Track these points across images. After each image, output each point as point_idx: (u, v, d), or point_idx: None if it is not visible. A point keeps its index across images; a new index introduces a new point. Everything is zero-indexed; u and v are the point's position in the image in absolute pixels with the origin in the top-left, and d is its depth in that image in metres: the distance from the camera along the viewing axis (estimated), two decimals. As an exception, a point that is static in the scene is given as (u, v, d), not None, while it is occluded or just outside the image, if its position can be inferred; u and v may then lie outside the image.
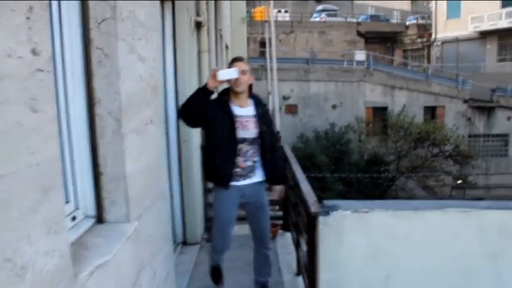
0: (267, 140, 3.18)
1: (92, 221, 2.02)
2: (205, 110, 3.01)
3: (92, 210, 2.03)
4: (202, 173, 3.27)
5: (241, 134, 3.07)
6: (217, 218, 3.26)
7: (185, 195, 4.56)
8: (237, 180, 3.13)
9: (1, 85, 1.00)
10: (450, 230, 2.57)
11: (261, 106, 3.23)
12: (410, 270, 2.63)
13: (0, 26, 0.98)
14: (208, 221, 5.26)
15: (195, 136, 4.64)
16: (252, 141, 3.13)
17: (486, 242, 2.58)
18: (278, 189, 3.32)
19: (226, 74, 2.95)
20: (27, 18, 1.08)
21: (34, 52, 1.12)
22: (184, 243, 4.62)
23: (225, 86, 3.19)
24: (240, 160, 3.12)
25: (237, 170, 3.12)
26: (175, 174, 4.40)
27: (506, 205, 2.60)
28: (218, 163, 3.08)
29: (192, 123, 3.27)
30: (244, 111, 3.13)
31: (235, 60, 3.18)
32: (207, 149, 3.23)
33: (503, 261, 2.63)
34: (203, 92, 3.00)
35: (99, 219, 2.06)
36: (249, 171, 3.16)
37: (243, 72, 3.05)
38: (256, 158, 3.17)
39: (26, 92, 1.11)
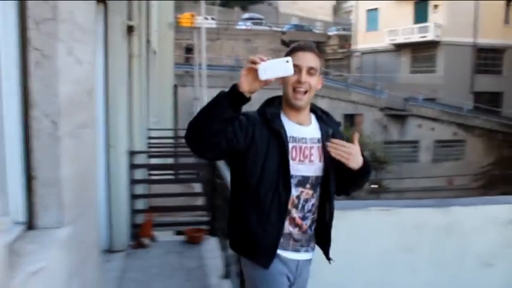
0: (333, 180, 1.84)
1: (21, 227, 1.95)
2: (233, 131, 1.68)
3: (22, 216, 1.97)
4: (229, 238, 1.94)
5: (299, 169, 1.77)
6: None
7: (112, 202, 4.47)
8: (294, 250, 1.82)
9: None
10: (372, 227, 2.80)
11: (330, 123, 1.89)
12: (336, 266, 2.81)
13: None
14: (134, 227, 5.18)
15: (122, 141, 4.56)
16: (315, 184, 1.82)
17: (403, 237, 2.85)
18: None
19: (276, 69, 1.61)
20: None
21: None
22: (109, 250, 4.53)
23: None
24: (296, 215, 1.80)
25: (292, 231, 1.81)
26: (102, 180, 4.30)
27: (420, 203, 2.90)
28: (254, 225, 1.74)
29: (207, 153, 1.75)
30: (305, 131, 1.82)
31: (296, 49, 1.78)
32: (235, 199, 1.85)
33: (417, 253, 2.92)
34: (230, 98, 1.61)
35: (30, 225, 1.99)
36: (309, 238, 1.87)
37: (309, 71, 1.75)
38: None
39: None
